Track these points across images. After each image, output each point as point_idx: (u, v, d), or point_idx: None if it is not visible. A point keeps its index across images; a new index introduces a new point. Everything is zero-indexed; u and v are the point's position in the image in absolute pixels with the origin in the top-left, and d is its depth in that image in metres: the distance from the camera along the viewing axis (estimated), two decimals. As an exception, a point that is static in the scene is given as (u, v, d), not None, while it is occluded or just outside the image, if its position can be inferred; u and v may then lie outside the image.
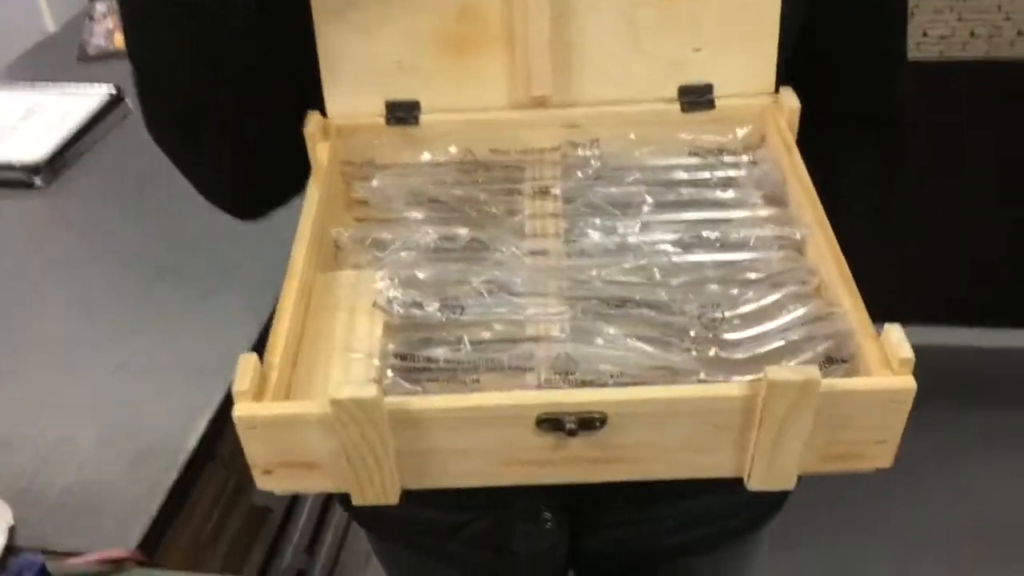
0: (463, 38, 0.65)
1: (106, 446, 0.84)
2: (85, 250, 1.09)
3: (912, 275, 0.87)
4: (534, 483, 0.50)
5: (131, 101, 1.32)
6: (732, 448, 0.48)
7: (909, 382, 0.46)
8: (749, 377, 0.49)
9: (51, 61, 1.51)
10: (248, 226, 1.00)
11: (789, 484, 0.49)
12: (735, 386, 0.46)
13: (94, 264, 1.06)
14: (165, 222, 1.10)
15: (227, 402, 0.84)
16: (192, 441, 0.82)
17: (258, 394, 0.47)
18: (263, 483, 0.49)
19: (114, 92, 1.33)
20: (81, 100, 1.31)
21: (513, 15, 0.64)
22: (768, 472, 0.48)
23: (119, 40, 1.45)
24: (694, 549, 0.81)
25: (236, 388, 0.46)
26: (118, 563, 0.71)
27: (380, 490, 0.49)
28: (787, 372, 0.44)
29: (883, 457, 0.49)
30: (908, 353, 0.46)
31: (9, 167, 1.20)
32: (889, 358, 0.47)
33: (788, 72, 0.66)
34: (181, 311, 0.97)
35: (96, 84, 1.33)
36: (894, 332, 0.47)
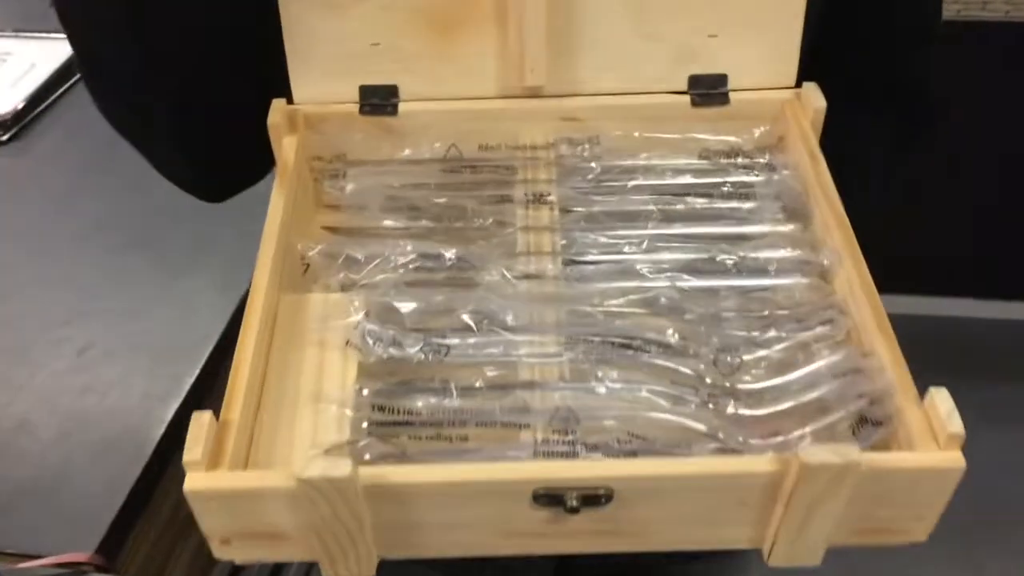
0: (448, 17, 0.57)
1: (65, 437, 0.77)
2: (48, 217, 1.01)
3: (912, 244, 0.82)
4: (530, 553, 0.44)
5: None
6: (752, 523, 0.43)
7: (958, 460, 0.40)
8: (775, 440, 0.44)
9: (21, 7, 1.39)
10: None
11: (815, 561, 0.44)
12: (760, 461, 0.40)
13: (57, 233, 0.97)
14: (135, 188, 1.01)
15: (198, 387, 0.78)
16: (159, 431, 0.76)
17: (214, 459, 0.41)
18: (220, 552, 0.43)
19: None
20: (51, 49, 1.20)
21: (505, -8, 0.56)
22: (792, 549, 0.43)
23: None
24: (687, 554, 0.78)
25: (187, 457, 0.40)
26: (75, 567, 0.65)
27: (355, 565, 0.43)
28: (823, 453, 0.39)
29: (919, 532, 0.44)
30: (958, 427, 0.40)
31: (-27, 121, 1.11)
32: (935, 430, 0.41)
33: (811, 56, 0.59)
34: (150, 288, 0.89)
35: None
36: (942, 401, 0.41)
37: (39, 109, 1.15)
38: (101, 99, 0.60)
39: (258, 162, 0.60)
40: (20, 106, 1.11)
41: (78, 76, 1.18)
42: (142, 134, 0.62)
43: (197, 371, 0.80)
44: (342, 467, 0.38)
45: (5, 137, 1.10)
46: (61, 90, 1.17)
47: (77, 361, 0.82)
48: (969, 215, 0.87)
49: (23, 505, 0.71)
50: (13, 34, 1.24)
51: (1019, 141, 0.90)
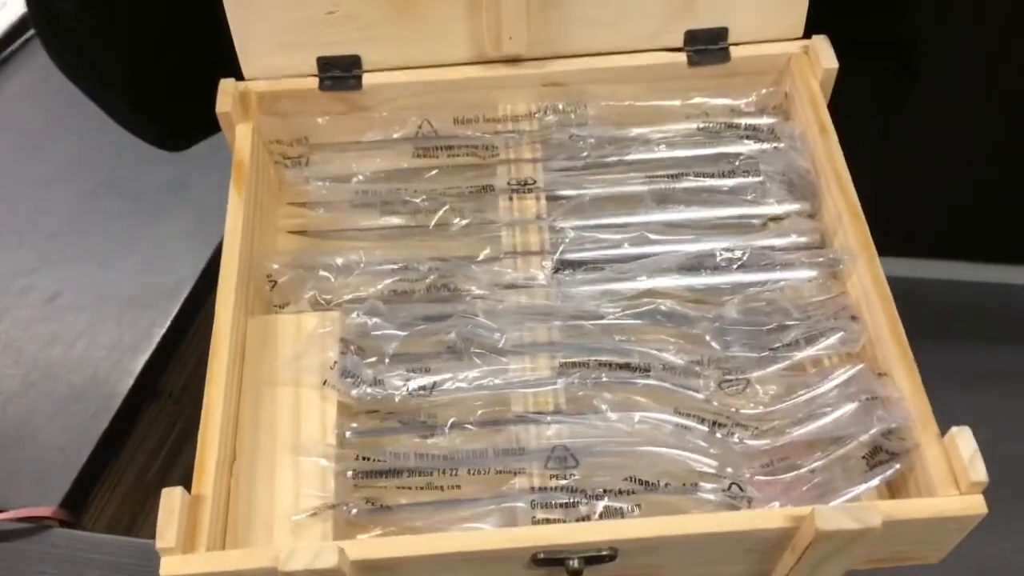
0: (413, -24, 0.50)
1: (31, 388, 0.75)
2: (14, 161, 0.95)
3: (906, 205, 0.78)
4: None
5: None
6: (759, 563, 0.41)
7: (980, 507, 0.38)
8: (786, 476, 0.41)
9: None
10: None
11: (824, 594, 0.42)
12: (771, 518, 0.38)
13: (24, 178, 0.92)
14: (106, 133, 0.95)
15: (171, 336, 0.75)
16: (128, 383, 0.74)
17: (189, 540, 0.38)
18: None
19: None
20: None
21: (477, -56, 0.49)
22: (802, 586, 0.41)
23: None
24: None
25: (160, 543, 0.37)
26: (38, 521, 0.64)
27: (348, 625, 0.41)
28: (840, 518, 0.36)
29: (934, 558, 0.42)
30: (982, 474, 0.38)
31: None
32: (956, 473, 0.39)
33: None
34: (120, 234, 0.85)
35: None
36: (964, 443, 0.38)
37: (8, 50, 1.08)
38: (50, 45, 0.58)
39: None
40: None
41: None
42: (96, 88, 0.60)
43: (168, 322, 0.77)
44: (328, 556, 0.36)
45: None
46: (29, 33, 1.10)
47: (44, 309, 0.79)
48: (968, 176, 0.83)
49: (-17, 456, 0.69)
50: None
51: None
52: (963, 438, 0.39)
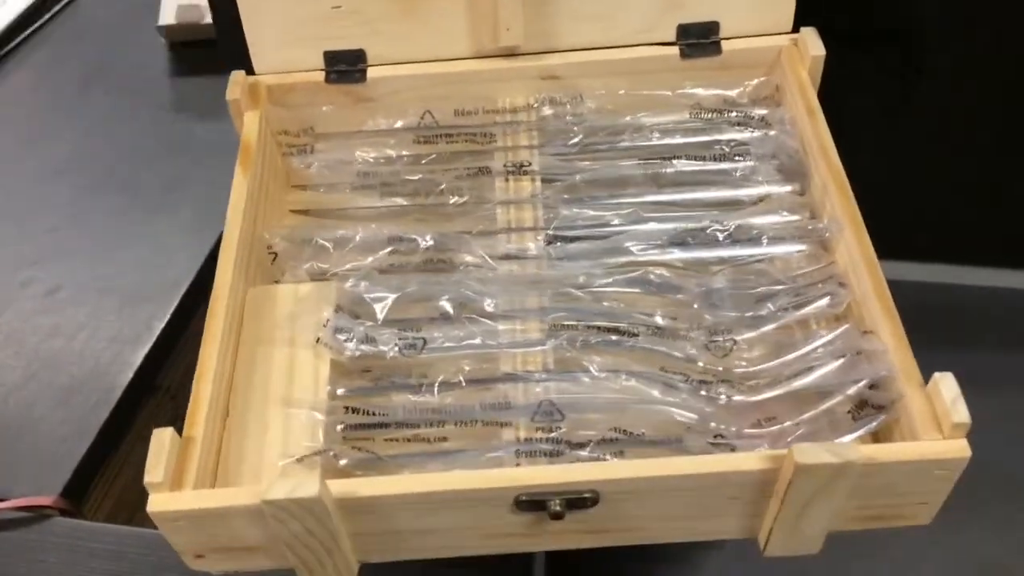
0: (414, -26, 0.53)
1: (32, 379, 0.75)
2: (19, 155, 0.98)
3: (907, 208, 0.79)
4: (515, 551, 0.42)
5: None
6: (745, 515, 0.41)
7: (963, 450, 0.38)
8: (771, 428, 0.41)
9: None
10: (199, 136, 0.86)
11: (814, 550, 0.42)
12: (751, 459, 0.38)
13: (25, 172, 0.95)
14: (108, 125, 0.98)
15: (170, 329, 0.76)
16: (128, 375, 0.74)
17: (177, 479, 0.39)
18: (195, 565, 0.42)
19: None
20: None
21: (475, -57, 0.52)
22: (789, 540, 0.41)
23: None
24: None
25: (148, 478, 0.38)
26: (38, 511, 0.64)
27: (333, 572, 0.41)
28: (818, 452, 0.36)
29: (923, 516, 0.41)
30: (964, 416, 0.38)
31: (-62, 56, 1.07)
32: (939, 418, 0.38)
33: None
34: (121, 228, 0.86)
35: None
36: (947, 387, 0.38)
37: (10, 47, 1.11)
38: None
39: None
40: None
41: (50, 15, 1.15)
42: None
43: (168, 314, 0.78)
44: (309, 486, 0.36)
45: None
46: (33, 27, 1.14)
47: (45, 302, 0.80)
48: (973, 181, 0.84)
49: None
50: None
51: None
52: (946, 383, 0.39)
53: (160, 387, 0.79)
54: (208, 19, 0.93)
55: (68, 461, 0.67)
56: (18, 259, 0.84)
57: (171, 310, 0.75)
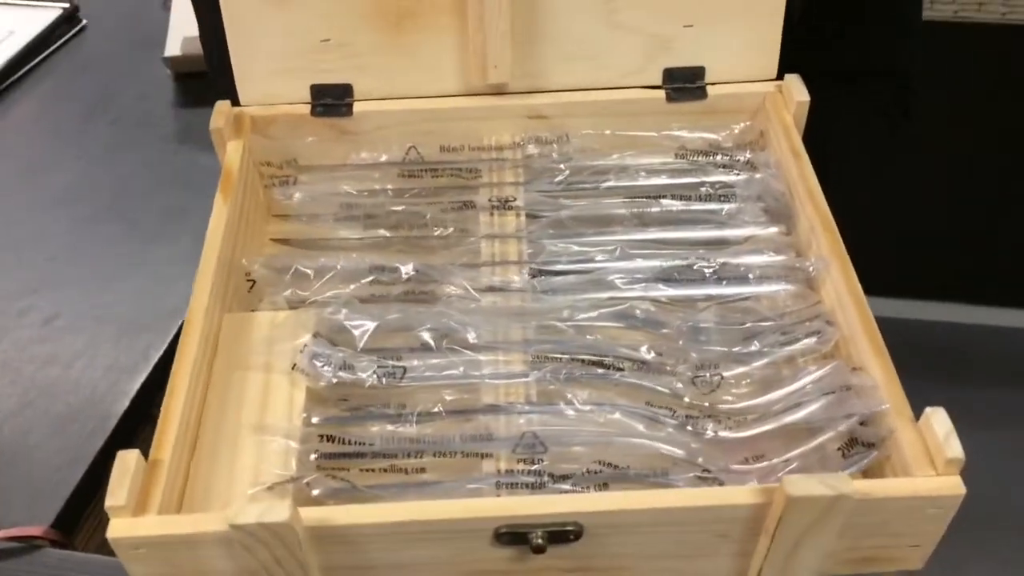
0: (403, 9, 0.53)
1: (28, 407, 0.74)
2: (20, 184, 0.98)
3: (901, 246, 0.79)
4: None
5: (86, 18, 1.19)
6: (734, 555, 0.39)
7: (958, 486, 0.37)
8: (760, 464, 0.40)
9: None
10: (202, 166, 0.88)
11: (802, 593, 0.40)
12: (742, 493, 0.37)
13: (29, 200, 0.94)
14: (109, 156, 0.99)
15: (166, 359, 0.75)
16: (123, 404, 0.73)
17: (141, 503, 0.37)
18: (156, 600, 0.39)
19: (67, 7, 1.19)
20: (31, 16, 1.16)
21: (465, -19, 0.52)
22: (778, 583, 0.39)
23: None
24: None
25: (109, 502, 0.36)
26: (28, 541, 0.62)
27: (303, 609, 0.39)
28: (810, 484, 0.35)
29: (914, 560, 0.40)
30: (957, 451, 0.37)
31: (-54, 86, 1.07)
32: (932, 454, 0.38)
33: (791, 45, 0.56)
34: (119, 258, 0.86)
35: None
36: (939, 423, 0.38)
37: (15, 76, 1.12)
38: None
39: None
40: None
41: (56, 45, 1.16)
42: None
43: (165, 345, 0.77)
44: (279, 511, 0.34)
45: None
46: (39, 59, 1.15)
47: (43, 330, 0.80)
48: (959, 218, 0.85)
49: (-21, 475, 0.68)
50: None
51: (1015, 144, 0.88)
52: (938, 418, 0.38)
53: (155, 416, 0.77)
54: (214, 51, 0.94)
55: (61, 490, 0.65)
56: (17, 287, 0.84)
57: (168, 339, 0.75)
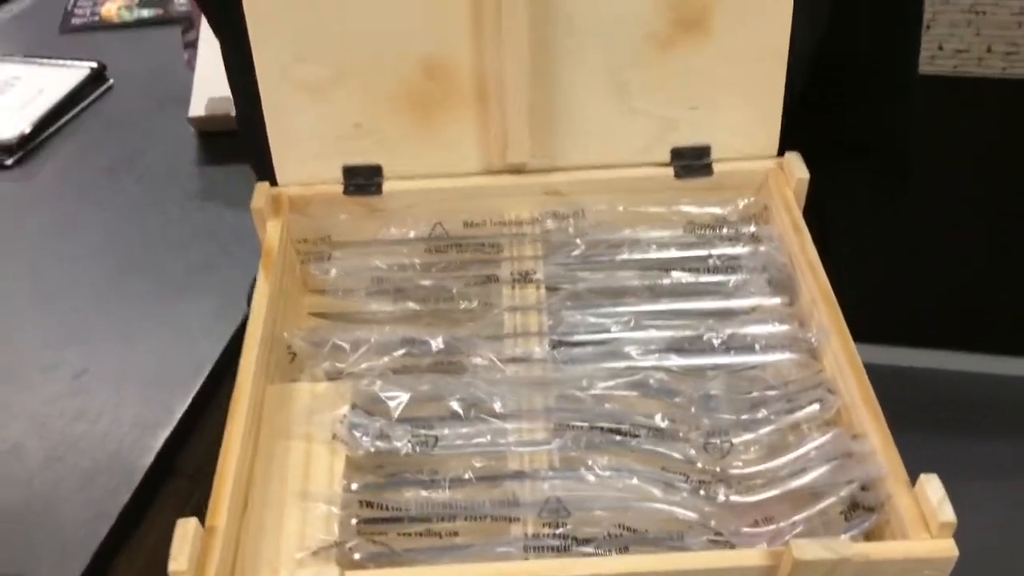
0: (429, 97, 0.57)
1: (56, 462, 0.77)
2: (49, 240, 1.02)
3: (898, 295, 0.83)
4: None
5: (113, 78, 1.23)
6: (746, 612, 0.42)
7: (950, 549, 0.40)
8: (768, 528, 0.43)
9: (31, 32, 1.41)
10: (226, 222, 0.91)
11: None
12: (752, 555, 0.40)
13: (57, 256, 0.98)
14: (135, 213, 1.02)
15: (190, 414, 0.78)
16: (149, 459, 0.76)
17: (200, 569, 0.40)
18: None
19: (95, 67, 1.24)
20: (60, 75, 1.22)
21: (486, 71, 0.56)
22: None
23: (105, 11, 1.36)
24: None
25: (172, 567, 0.39)
26: None
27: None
28: (816, 548, 0.38)
29: (913, 616, 0.43)
30: (950, 516, 0.40)
31: (-19, 144, 1.12)
32: (927, 518, 0.41)
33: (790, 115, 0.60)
34: (145, 313, 0.89)
35: (77, 60, 1.23)
36: (933, 489, 0.41)
37: (45, 135, 1.16)
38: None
39: None
40: (27, 131, 1.12)
41: (85, 103, 1.20)
42: None
43: (189, 399, 0.80)
44: (329, 574, 0.38)
45: (10, 161, 1.10)
46: (67, 117, 1.19)
47: (71, 385, 0.83)
48: (956, 269, 0.88)
49: (9, 529, 0.70)
50: (23, 59, 1.26)
51: (1012, 198, 0.91)
52: (931, 485, 0.41)
53: (178, 470, 0.80)
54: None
55: (89, 543, 0.68)
56: (45, 342, 0.87)
57: (192, 395, 0.78)
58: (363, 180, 0.59)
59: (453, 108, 0.58)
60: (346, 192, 0.59)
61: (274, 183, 0.59)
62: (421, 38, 0.55)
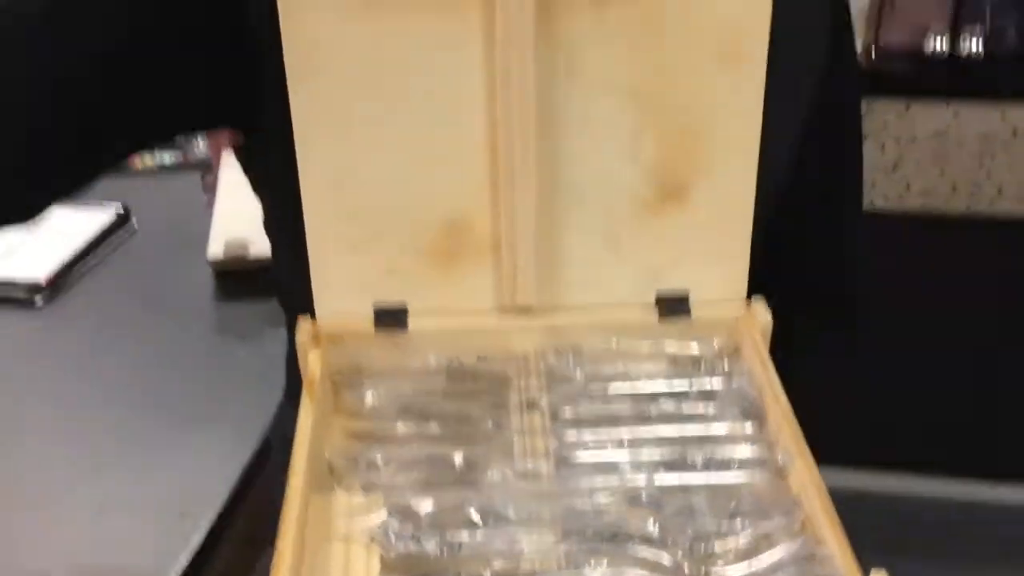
0: (451, 250, 0.67)
1: None
2: (75, 376, 1.07)
3: (876, 422, 0.90)
4: None
5: (136, 221, 1.33)
6: None
7: (898, 638, 0.48)
8: (742, 622, 0.51)
9: None
10: (240, 357, 0.99)
11: None
12: (733, 642, 0.47)
13: (82, 392, 1.04)
14: (159, 348, 1.09)
15: (206, 545, 0.82)
16: None
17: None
18: None
19: (121, 210, 1.32)
20: (88, 217, 1.29)
21: (500, 227, 0.66)
22: None
23: (134, 160, 1.47)
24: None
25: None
26: None
27: None
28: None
29: None
30: (896, 609, 0.48)
31: (12, 284, 1.18)
32: (878, 612, 0.49)
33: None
34: (161, 445, 0.95)
35: (105, 202, 1.31)
36: (882, 584, 0.49)
37: (72, 274, 1.22)
38: None
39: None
40: (57, 272, 1.19)
41: (111, 244, 1.27)
42: None
43: (207, 527, 0.84)
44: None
45: (40, 302, 1.16)
46: (94, 258, 1.26)
47: (95, 517, 0.87)
48: (921, 394, 0.96)
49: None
50: None
51: (977, 329, 0.99)
52: (880, 581, 0.49)
53: None
54: (252, 252, 1.07)
55: None
56: (69, 474, 0.92)
57: (207, 526, 0.83)
58: (391, 319, 0.68)
59: (470, 257, 0.67)
60: (376, 327, 0.68)
61: (288, 303, 0.67)
62: (447, 203, 0.65)
